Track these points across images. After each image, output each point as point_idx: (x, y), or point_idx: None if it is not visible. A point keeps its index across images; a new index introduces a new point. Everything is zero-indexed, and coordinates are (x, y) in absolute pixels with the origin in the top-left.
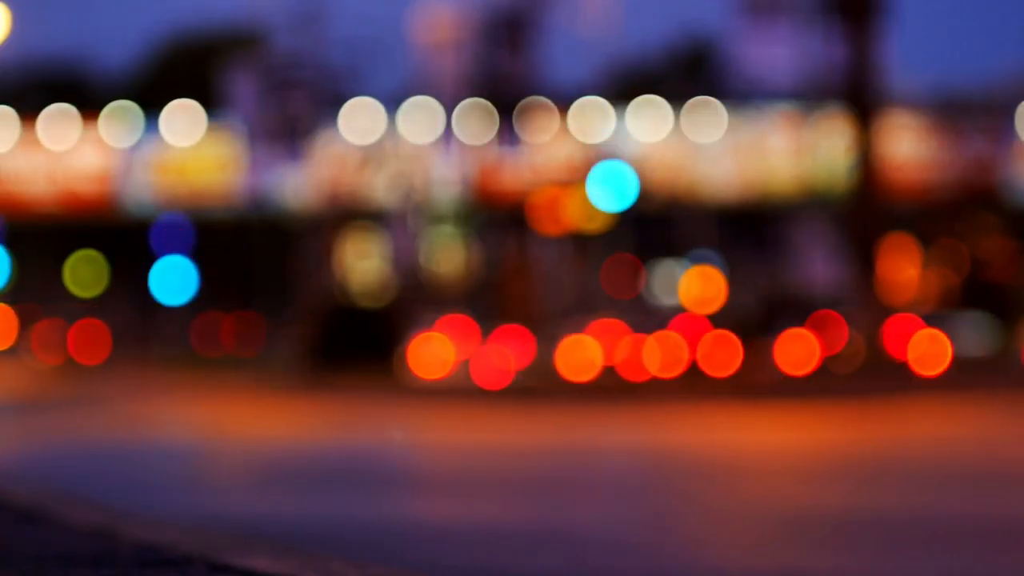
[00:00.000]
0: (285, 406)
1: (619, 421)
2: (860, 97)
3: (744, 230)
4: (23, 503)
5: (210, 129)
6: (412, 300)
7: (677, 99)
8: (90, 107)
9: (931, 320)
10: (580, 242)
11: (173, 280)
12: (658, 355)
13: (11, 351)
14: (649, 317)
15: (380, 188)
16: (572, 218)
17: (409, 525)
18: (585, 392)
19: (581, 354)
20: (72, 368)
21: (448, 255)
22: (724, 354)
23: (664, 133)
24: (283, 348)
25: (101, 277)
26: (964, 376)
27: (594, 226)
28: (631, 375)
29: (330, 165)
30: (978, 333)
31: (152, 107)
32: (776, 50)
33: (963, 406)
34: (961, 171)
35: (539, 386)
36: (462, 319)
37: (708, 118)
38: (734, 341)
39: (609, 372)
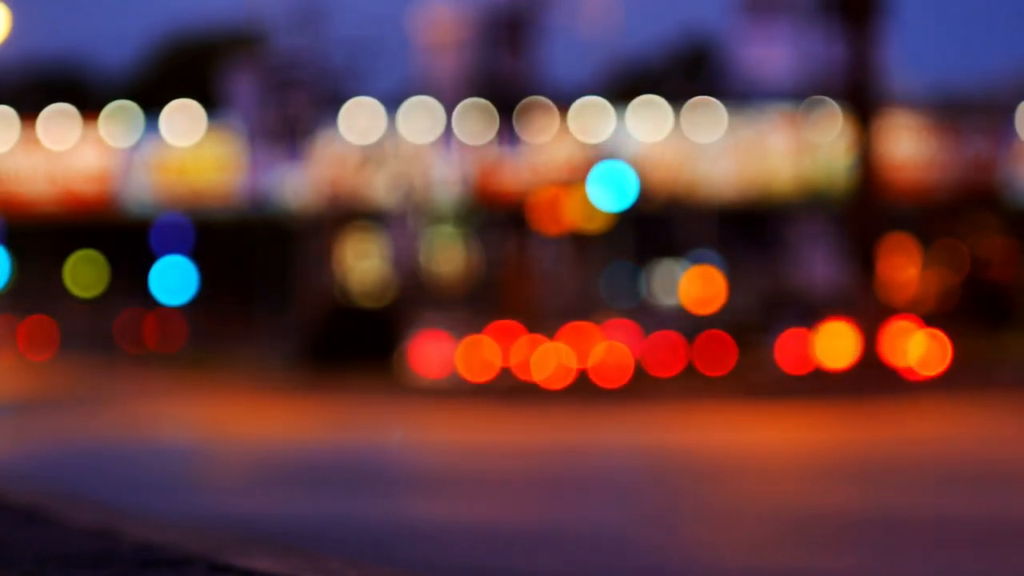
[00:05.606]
0: (285, 406)
1: (620, 420)
2: (860, 97)
3: (744, 230)
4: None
5: (210, 129)
6: (412, 300)
7: (677, 99)
8: (90, 107)
9: (930, 320)
10: (580, 242)
11: (173, 280)
12: (656, 355)
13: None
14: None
15: (380, 188)
16: (572, 218)
17: (409, 525)
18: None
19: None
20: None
21: (448, 255)
22: (721, 353)
23: (664, 133)
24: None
25: (101, 277)
26: (963, 376)
27: (594, 226)
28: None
29: (330, 165)
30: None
31: (152, 107)
32: (776, 50)
33: (962, 406)
34: (961, 171)
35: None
36: (511, 324)
37: (708, 118)
38: (730, 341)
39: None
